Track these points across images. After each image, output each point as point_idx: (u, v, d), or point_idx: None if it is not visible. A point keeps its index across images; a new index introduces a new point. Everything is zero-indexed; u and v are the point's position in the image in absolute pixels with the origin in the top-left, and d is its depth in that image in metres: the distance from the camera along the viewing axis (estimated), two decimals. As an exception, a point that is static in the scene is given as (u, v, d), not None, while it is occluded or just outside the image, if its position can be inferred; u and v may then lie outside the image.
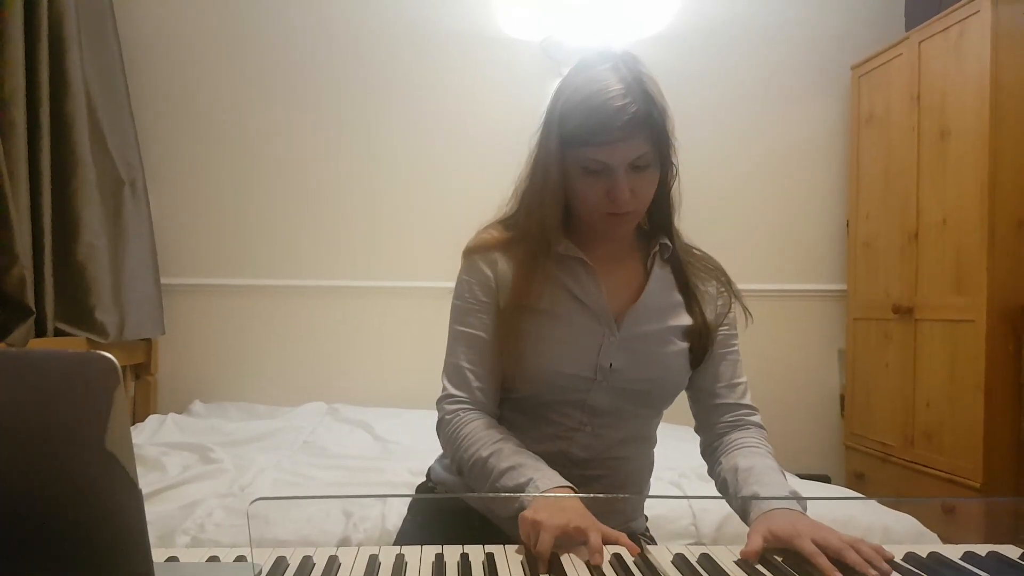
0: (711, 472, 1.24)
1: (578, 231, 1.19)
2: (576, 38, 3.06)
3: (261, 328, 3.15)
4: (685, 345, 1.17)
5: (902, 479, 2.80)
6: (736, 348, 1.23)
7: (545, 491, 0.99)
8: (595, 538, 0.89)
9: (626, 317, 1.15)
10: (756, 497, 1.05)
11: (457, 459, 1.14)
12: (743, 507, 1.07)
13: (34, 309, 2.20)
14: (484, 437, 1.10)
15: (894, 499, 2.49)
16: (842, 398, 3.27)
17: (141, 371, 2.98)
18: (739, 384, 1.23)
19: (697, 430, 1.27)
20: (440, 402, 1.18)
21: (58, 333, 2.41)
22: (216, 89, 3.13)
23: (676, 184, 1.18)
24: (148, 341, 2.96)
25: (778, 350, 3.23)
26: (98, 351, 0.54)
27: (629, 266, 1.20)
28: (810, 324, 3.31)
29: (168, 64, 3.10)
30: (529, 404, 1.16)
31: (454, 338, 1.19)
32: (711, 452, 1.23)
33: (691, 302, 1.19)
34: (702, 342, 1.17)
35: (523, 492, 1.00)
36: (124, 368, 2.86)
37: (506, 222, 1.21)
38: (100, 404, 0.54)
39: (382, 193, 3.18)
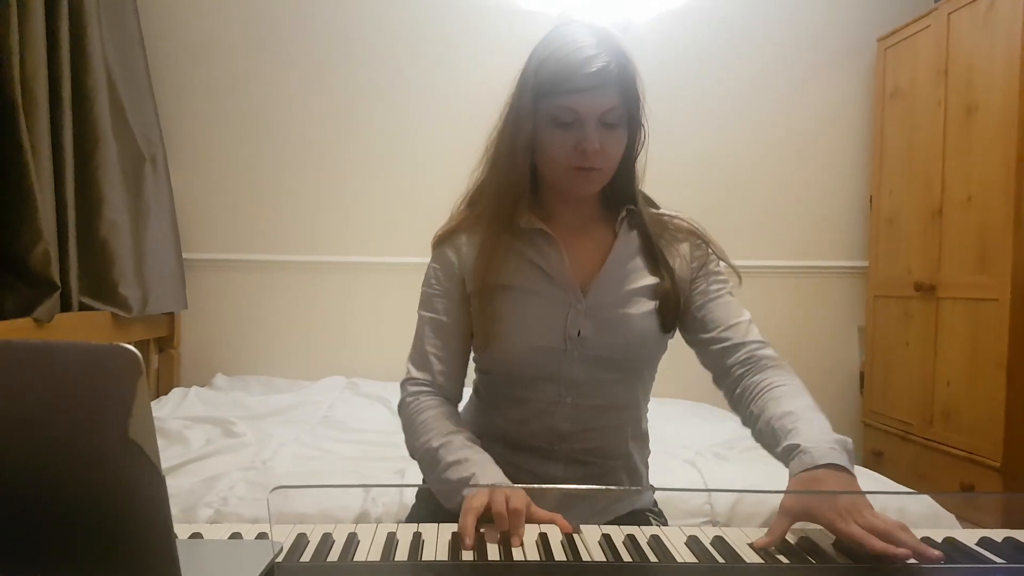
0: (745, 423, 1.14)
1: (542, 203, 1.20)
2: (593, 11, 3.01)
3: (282, 303, 3.18)
4: (653, 305, 1.16)
5: (920, 457, 2.79)
6: (726, 292, 1.20)
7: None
8: (516, 521, 0.90)
9: (592, 285, 1.16)
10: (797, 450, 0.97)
11: (411, 444, 1.17)
12: (786, 460, 1.00)
13: (59, 284, 2.23)
14: (438, 427, 1.12)
15: (941, 494, 2.35)
16: (861, 375, 3.26)
17: (164, 344, 3.02)
18: (739, 323, 1.17)
19: (715, 382, 1.21)
20: (403, 384, 1.22)
21: (83, 308, 2.44)
22: (235, 65, 3.13)
23: (644, 153, 1.19)
24: (171, 315, 3.01)
25: (797, 326, 3.21)
26: (121, 344, 0.56)
27: (595, 235, 1.20)
28: (830, 300, 3.28)
29: (187, 40, 3.11)
30: (507, 383, 1.19)
31: (420, 324, 1.23)
32: (738, 402, 1.15)
33: (657, 262, 1.18)
34: (672, 300, 1.16)
35: (466, 486, 1.01)
36: (147, 341, 2.90)
37: (472, 199, 1.23)
38: (124, 395, 0.56)
39: (401, 169, 3.18)
